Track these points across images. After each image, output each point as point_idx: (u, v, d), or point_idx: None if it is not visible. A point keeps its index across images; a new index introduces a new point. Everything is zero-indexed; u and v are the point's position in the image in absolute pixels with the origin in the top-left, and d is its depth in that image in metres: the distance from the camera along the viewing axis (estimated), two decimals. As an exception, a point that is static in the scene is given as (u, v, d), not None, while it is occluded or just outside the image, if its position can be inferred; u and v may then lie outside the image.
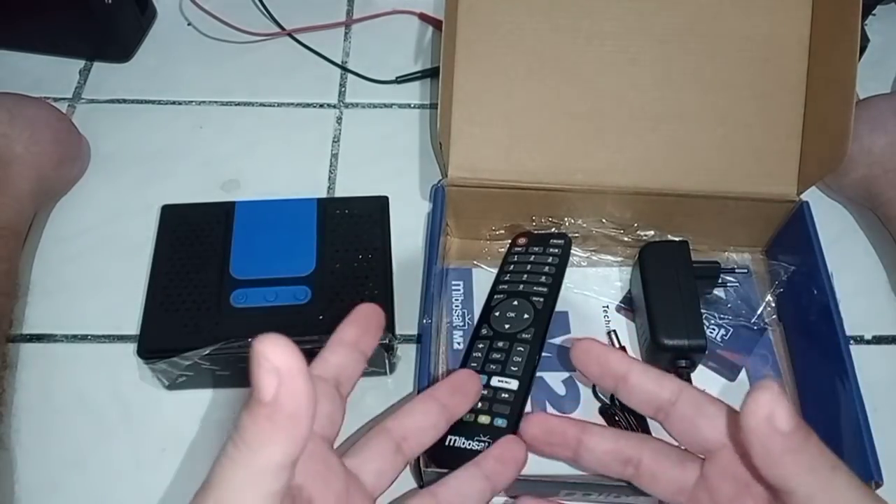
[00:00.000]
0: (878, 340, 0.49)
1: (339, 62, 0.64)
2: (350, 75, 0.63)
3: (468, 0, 0.48)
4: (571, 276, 0.49)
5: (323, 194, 0.55)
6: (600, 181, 0.48)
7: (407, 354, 0.47)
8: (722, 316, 0.48)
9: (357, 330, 0.31)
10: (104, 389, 0.46)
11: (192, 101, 0.61)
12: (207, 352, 0.42)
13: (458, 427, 0.41)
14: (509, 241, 0.51)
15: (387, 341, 0.43)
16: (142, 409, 0.45)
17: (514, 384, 0.42)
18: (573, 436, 0.32)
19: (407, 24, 0.66)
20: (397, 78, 0.62)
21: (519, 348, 0.43)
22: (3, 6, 0.59)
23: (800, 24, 0.48)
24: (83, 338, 0.48)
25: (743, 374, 0.47)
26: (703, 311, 0.46)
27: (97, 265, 0.51)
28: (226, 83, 0.62)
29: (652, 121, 0.48)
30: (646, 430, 0.42)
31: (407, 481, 0.42)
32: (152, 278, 0.46)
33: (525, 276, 0.47)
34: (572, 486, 0.41)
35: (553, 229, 0.51)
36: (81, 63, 0.63)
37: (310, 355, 0.42)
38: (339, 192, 0.55)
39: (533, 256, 0.48)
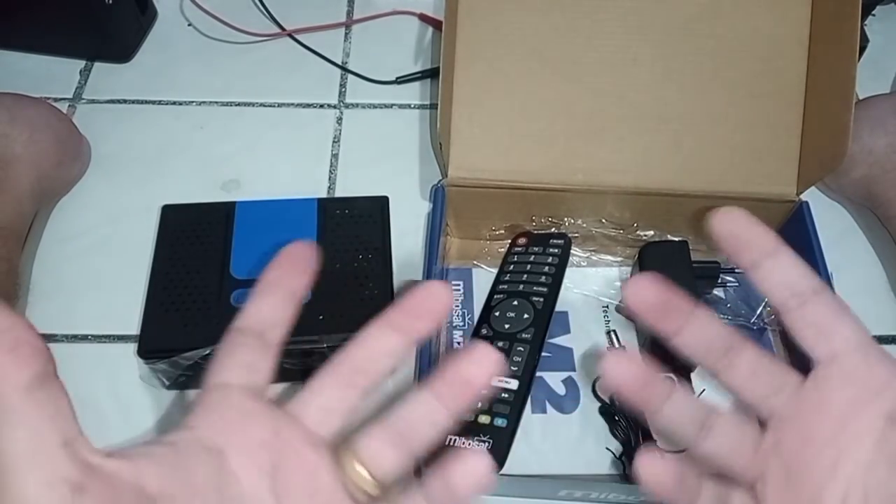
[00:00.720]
0: (878, 340, 0.49)
1: (339, 62, 0.64)
2: (350, 75, 0.63)
3: (468, 0, 0.48)
4: (571, 276, 0.49)
5: (323, 194, 0.55)
6: (600, 181, 0.48)
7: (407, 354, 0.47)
8: (722, 316, 0.49)
9: (280, 272, 0.29)
10: (104, 389, 0.46)
11: (192, 101, 0.61)
12: (207, 352, 0.42)
13: (458, 427, 0.41)
14: (509, 241, 0.51)
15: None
16: (142, 409, 0.45)
17: (514, 384, 0.42)
18: (686, 309, 0.30)
19: (407, 24, 0.66)
20: (397, 78, 0.62)
21: (519, 348, 0.44)
22: (3, 6, 0.59)
23: (800, 24, 0.48)
24: (83, 338, 0.48)
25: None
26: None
27: (97, 265, 0.51)
28: (226, 83, 0.62)
29: (652, 121, 0.48)
30: (646, 431, 0.42)
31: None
32: (152, 278, 0.46)
33: (525, 276, 0.47)
34: (572, 486, 0.41)
35: (553, 229, 0.51)
36: (82, 63, 0.63)
37: (309, 355, 0.43)
38: (339, 192, 0.55)
39: (533, 256, 0.48)
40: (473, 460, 0.28)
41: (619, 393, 0.29)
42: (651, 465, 0.28)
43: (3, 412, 0.22)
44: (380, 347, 0.29)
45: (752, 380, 0.28)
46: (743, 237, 0.30)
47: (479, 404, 0.42)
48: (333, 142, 0.58)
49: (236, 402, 0.27)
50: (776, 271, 0.29)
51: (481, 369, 0.28)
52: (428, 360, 0.42)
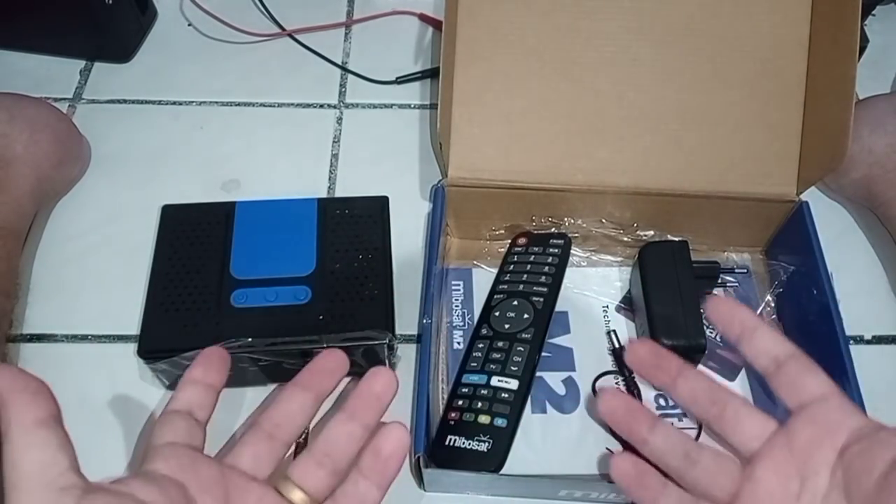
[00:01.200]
0: (878, 340, 0.49)
1: (339, 62, 0.64)
2: (350, 75, 0.63)
3: (468, 0, 0.48)
4: (571, 276, 0.49)
5: (323, 194, 0.55)
6: (600, 181, 0.48)
7: (407, 354, 0.47)
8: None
9: (201, 370, 0.36)
10: (104, 389, 0.46)
11: (192, 101, 0.61)
12: (207, 352, 0.42)
13: (459, 427, 0.41)
14: (509, 241, 0.51)
15: (387, 341, 0.43)
16: (142, 409, 0.45)
17: (513, 384, 0.42)
18: (675, 366, 0.36)
19: (407, 24, 0.66)
20: (397, 78, 0.62)
21: (519, 348, 0.44)
22: (3, 6, 0.59)
23: (800, 24, 0.48)
24: (83, 338, 0.48)
25: (743, 374, 0.47)
26: (702, 311, 0.46)
27: (97, 265, 0.51)
28: (226, 83, 0.62)
29: (652, 121, 0.48)
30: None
31: (407, 482, 0.42)
32: (152, 278, 0.46)
33: (525, 276, 0.47)
34: (572, 486, 0.41)
35: (553, 229, 0.51)
36: (82, 63, 0.63)
37: (309, 355, 0.43)
38: (339, 192, 0.55)
39: (533, 256, 0.48)
40: (394, 429, 0.34)
41: (608, 422, 0.36)
42: (620, 465, 0.35)
43: (19, 439, 0.26)
44: (292, 406, 0.35)
45: (735, 426, 0.34)
46: (730, 317, 0.35)
47: (479, 404, 0.42)
48: (333, 142, 0.58)
49: (183, 452, 0.32)
50: (757, 342, 0.34)
51: (386, 386, 0.35)
52: (428, 362, 0.42)
